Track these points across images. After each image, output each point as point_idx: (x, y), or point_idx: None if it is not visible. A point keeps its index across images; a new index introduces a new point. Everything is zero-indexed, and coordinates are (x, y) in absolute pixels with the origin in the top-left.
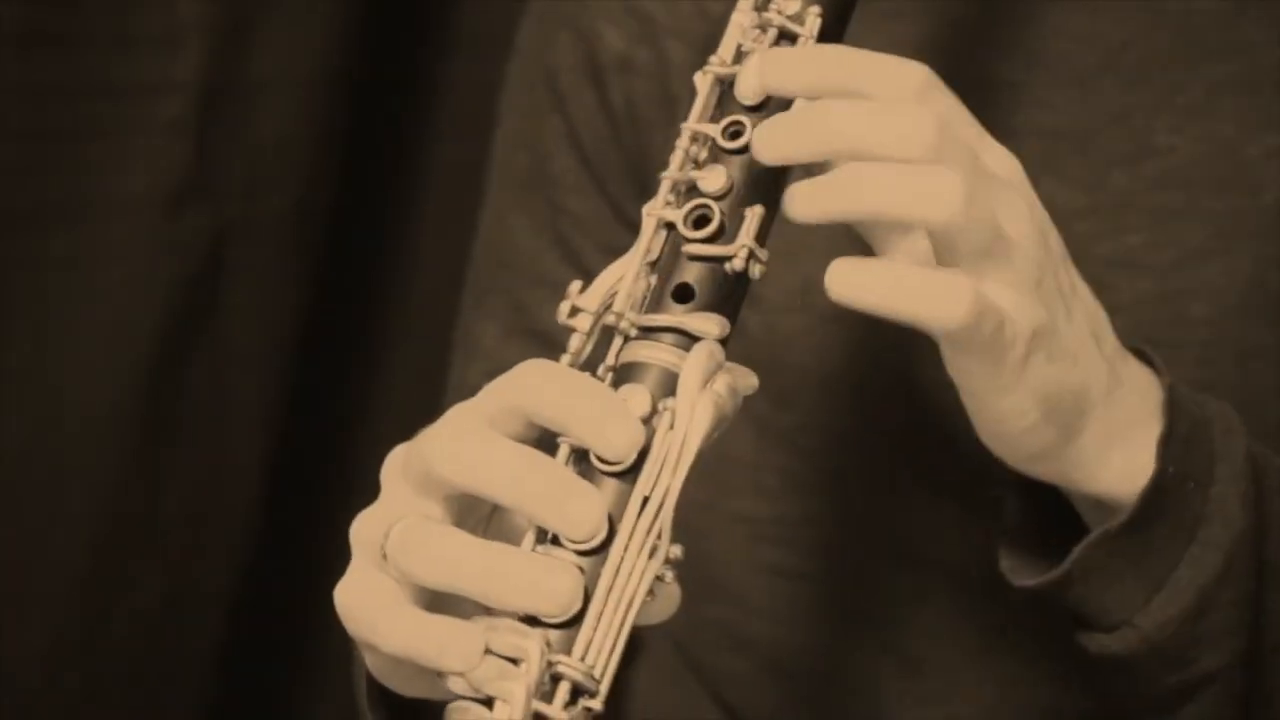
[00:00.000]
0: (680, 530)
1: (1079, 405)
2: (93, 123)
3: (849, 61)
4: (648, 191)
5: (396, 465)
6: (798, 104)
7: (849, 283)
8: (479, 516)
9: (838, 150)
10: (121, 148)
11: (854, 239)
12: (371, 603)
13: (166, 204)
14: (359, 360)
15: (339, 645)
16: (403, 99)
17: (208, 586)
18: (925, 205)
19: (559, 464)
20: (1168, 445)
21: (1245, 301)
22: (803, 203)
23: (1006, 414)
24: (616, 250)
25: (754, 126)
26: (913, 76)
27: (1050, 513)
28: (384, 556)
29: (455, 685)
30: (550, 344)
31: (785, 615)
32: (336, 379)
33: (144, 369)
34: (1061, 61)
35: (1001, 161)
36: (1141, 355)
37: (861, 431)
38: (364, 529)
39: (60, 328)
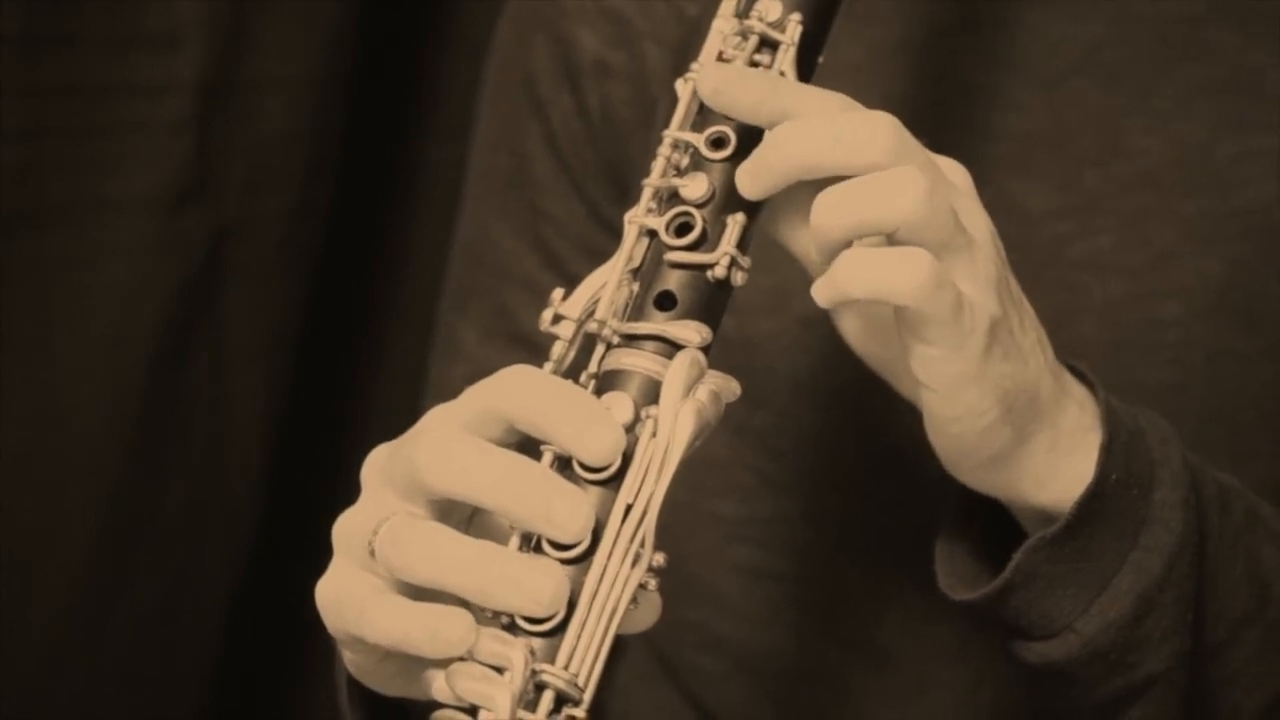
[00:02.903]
0: (656, 531)
1: (1033, 407)
2: (93, 123)
3: (781, 87)
4: (626, 194)
5: (377, 467)
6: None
7: (823, 291)
8: (460, 518)
9: (806, 170)
10: (121, 148)
11: None
12: (358, 594)
13: (166, 204)
14: (359, 360)
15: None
16: (402, 99)
17: (208, 586)
18: (891, 206)
19: (544, 468)
20: (1109, 452)
21: (1216, 303)
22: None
23: (968, 410)
24: (596, 252)
25: (737, 134)
26: (840, 97)
27: (986, 545)
28: (370, 554)
29: (439, 693)
30: (531, 347)
31: (759, 615)
32: (336, 379)
33: (144, 369)
34: (1035, 64)
35: (952, 170)
36: (1073, 370)
37: (833, 432)
38: (347, 528)
39: (60, 328)
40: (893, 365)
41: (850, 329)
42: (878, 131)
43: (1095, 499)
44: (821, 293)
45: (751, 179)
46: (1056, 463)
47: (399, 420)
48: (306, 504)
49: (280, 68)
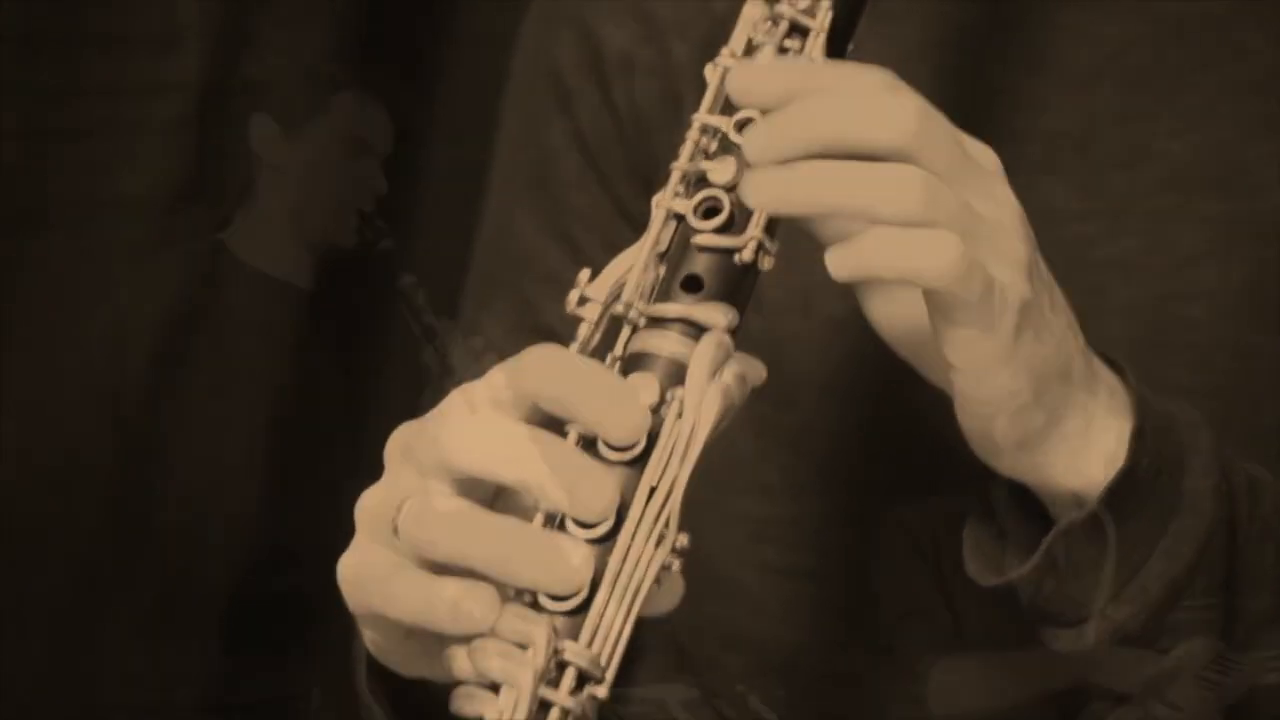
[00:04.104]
0: (680, 512)
1: (1065, 389)
2: (93, 123)
3: (812, 72)
4: (652, 190)
5: (401, 445)
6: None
7: (845, 262)
8: (483, 497)
9: (821, 143)
10: (121, 148)
11: None
12: (380, 570)
13: (166, 204)
14: (359, 359)
15: (339, 642)
16: (405, 98)
17: (207, 585)
18: (887, 203)
19: (570, 446)
20: (1140, 438)
21: (1242, 305)
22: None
23: (1000, 392)
24: (620, 248)
25: (764, 119)
26: (877, 74)
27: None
28: (394, 531)
29: (460, 670)
30: (557, 341)
31: (783, 613)
32: (336, 378)
33: (144, 368)
34: (1062, 64)
35: (981, 153)
36: (1103, 359)
37: (860, 432)
38: (370, 505)
39: (60, 328)
40: (922, 350)
41: (878, 313)
42: (899, 110)
43: (1126, 484)
44: (837, 261)
45: (766, 145)
46: (1088, 447)
47: (398, 418)
48: (306, 504)
49: (280, 68)
